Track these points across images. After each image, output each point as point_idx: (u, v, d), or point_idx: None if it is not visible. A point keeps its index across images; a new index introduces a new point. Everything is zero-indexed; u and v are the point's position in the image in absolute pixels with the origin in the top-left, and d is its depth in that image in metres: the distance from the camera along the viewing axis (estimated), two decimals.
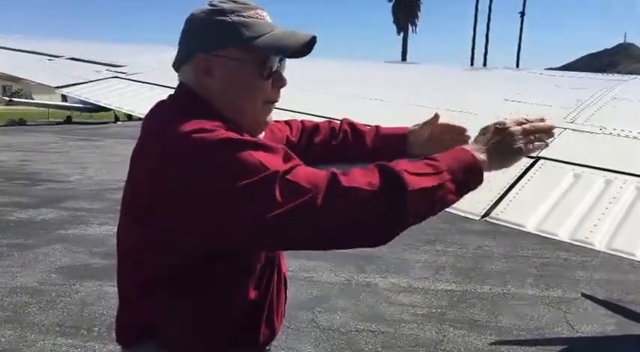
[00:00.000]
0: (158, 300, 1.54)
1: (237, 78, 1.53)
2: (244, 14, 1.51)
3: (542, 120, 1.56)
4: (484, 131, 1.54)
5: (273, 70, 1.56)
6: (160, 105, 1.61)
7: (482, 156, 1.46)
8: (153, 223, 1.45)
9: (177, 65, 1.60)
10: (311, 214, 1.27)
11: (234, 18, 1.50)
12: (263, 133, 1.67)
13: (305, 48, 1.58)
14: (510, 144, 1.49)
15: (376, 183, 1.29)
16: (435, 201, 1.37)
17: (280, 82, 1.59)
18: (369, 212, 1.30)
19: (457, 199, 1.42)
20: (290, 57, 1.60)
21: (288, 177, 1.29)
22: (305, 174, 1.31)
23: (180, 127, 1.37)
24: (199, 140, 1.34)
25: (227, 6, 1.52)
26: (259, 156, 1.31)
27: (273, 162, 1.32)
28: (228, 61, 1.51)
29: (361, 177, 1.30)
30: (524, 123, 1.52)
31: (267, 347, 1.74)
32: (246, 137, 1.40)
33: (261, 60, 1.52)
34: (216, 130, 1.36)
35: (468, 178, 1.42)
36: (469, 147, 1.49)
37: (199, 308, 1.53)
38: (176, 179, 1.35)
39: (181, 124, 1.38)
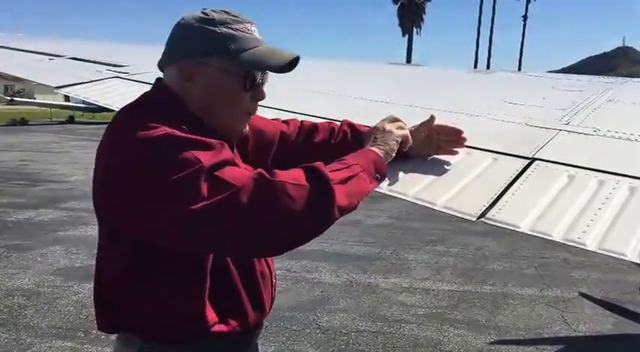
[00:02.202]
0: (125, 290, 1.61)
1: (218, 87, 1.58)
2: (233, 27, 1.56)
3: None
4: (368, 136, 1.75)
5: (255, 83, 1.61)
6: (131, 102, 1.66)
7: (378, 150, 1.65)
8: (104, 216, 1.57)
9: (161, 65, 1.66)
10: (234, 207, 1.31)
11: (223, 29, 1.55)
12: (247, 127, 1.71)
13: (287, 67, 1.63)
14: (388, 134, 1.72)
15: (301, 178, 1.37)
16: (355, 189, 1.48)
17: (259, 95, 1.65)
18: (297, 206, 1.34)
19: (374, 186, 1.58)
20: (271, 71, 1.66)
21: (215, 173, 1.34)
22: (232, 171, 1.37)
23: (126, 125, 1.48)
24: (137, 137, 1.40)
25: (218, 16, 1.57)
26: (189, 152, 1.36)
27: (203, 157, 1.36)
28: (211, 69, 1.56)
29: (286, 174, 1.37)
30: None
31: (253, 341, 1.80)
32: (180, 133, 1.41)
33: (244, 73, 1.57)
34: (157, 127, 1.40)
35: (376, 168, 1.59)
36: (368, 145, 1.68)
37: (161, 298, 1.58)
38: (115, 175, 1.43)
39: (129, 122, 1.48)
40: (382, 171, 1.62)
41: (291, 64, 1.64)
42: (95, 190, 1.56)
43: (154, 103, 1.58)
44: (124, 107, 1.64)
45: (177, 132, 1.41)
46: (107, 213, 1.55)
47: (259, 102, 1.69)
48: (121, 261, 1.57)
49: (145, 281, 1.57)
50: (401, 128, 1.77)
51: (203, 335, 1.61)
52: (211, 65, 1.56)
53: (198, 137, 1.41)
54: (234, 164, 1.42)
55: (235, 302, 1.66)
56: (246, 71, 1.58)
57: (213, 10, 1.58)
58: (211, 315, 1.60)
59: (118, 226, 1.53)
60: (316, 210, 1.37)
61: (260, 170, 1.38)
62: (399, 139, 1.73)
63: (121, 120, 1.57)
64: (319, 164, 1.42)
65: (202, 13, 1.59)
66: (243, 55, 1.55)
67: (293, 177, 1.37)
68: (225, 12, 1.59)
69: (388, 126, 1.74)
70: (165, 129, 1.40)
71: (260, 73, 1.62)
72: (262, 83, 1.65)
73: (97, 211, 1.59)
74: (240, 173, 1.38)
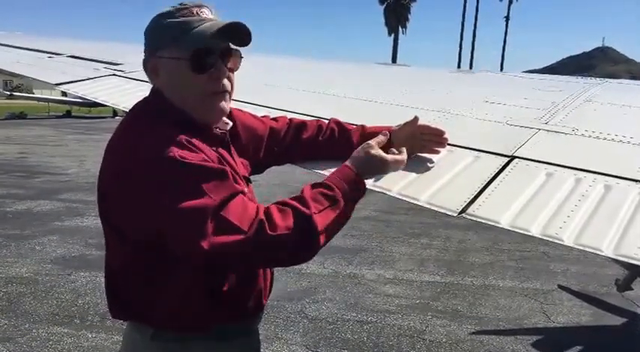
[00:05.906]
0: (134, 283, 1.70)
1: (175, 75, 1.66)
2: (177, 14, 1.64)
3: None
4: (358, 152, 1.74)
5: (208, 62, 1.64)
6: (135, 107, 1.76)
7: (360, 168, 1.67)
8: (110, 217, 1.66)
9: (143, 68, 1.76)
10: (238, 251, 1.46)
11: (169, 20, 1.64)
12: (230, 122, 1.79)
13: (223, 34, 1.62)
14: (374, 154, 1.71)
15: (292, 227, 1.48)
16: (336, 226, 1.58)
17: (217, 71, 1.65)
18: (288, 249, 1.51)
19: (351, 212, 1.64)
20: (233, 43, 1.70)
21: (221, 212, 1.45)
22: (236, 211, 1.47)
23: (140, 138, 1.56)
24: (151, 157, 1.49)
25: (167, 9, 1.66)
26: (199, 182, 1.46)
27: (207, 188, 1.46)
28: (165, 60, 1.66)
29: (281, 222, 1.48)
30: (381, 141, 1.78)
31: (255, 325, 1.95)
32: (192, 159, 1.50)
33: (190, 55, 1.62)
34: (169, 147, 1.49)
35: (355, 192, 1.65)
36: (350, 163, 1.69)
37: (169, 291, 1.66)
38: (128, 186, 1.52)
39: (143, 135, 1.57)
40: (361, 192, 1.68)
41: (238, 35, 1.67)
42: (108, 191, 1.63)
43: (155, 110, 1.68)
44: (133, 112, 1.74)
45: (185, 156, 1.49)
46: (117, 214, 1.63)
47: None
48: (129, 256, 1.66)
49: (153, 275, 1.65)
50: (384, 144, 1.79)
51: (212, 322, 1.71)
52: (165, 56, 1.65)
53: (203, 162, 1.52)
54: (237, 194, 1.51)
55: (239, 290, 1.75)
56: (192, 53, 1.61)
57: (171, 6, 1.66)
58: (217, 304, 1.69)
59: (126, 228, 1.62)
60: (303, 253, 1.55)
61: (261, 216, 1.48)
62: (382, 161, 1.73)
63: (133, 129, 1.66)
64: (311, 211, 1.51)
65: (161, 12, 1.68)
66: (184, 38, 1.61)
67: (287, 226, 1.48)
68: (179, 4, 1.66)
69: (374, 142, 1.76)
70: (174, 152, 1.49)
71: (214, 52, 1.64)
72: (228, 58, 1.68)
73: (106, 211, 1.67)
74: (244, 210, 1.48)
